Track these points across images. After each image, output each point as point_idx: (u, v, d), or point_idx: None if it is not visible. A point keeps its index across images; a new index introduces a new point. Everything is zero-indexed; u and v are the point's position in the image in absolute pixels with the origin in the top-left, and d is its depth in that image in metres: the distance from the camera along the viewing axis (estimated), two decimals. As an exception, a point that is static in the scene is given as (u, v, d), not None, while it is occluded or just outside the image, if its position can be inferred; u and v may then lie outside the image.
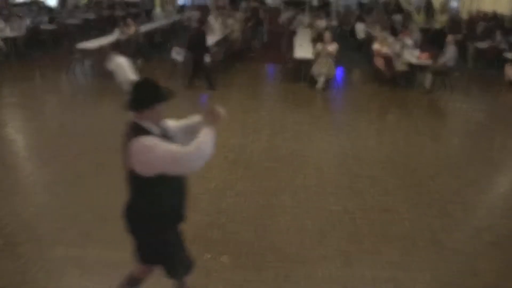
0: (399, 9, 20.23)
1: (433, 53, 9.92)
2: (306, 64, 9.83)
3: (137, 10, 18.33)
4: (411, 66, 9.89)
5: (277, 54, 12.69)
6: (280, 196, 4.93)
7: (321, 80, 9.50)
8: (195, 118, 2.59)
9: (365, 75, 11.13)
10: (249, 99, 9.02)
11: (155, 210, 2.47)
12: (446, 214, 4.67)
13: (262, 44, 15.22)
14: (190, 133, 2.51)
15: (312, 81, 9.68)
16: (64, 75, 10.21)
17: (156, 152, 2.23)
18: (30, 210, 4.52)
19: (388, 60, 9.87)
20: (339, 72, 10.36)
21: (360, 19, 15.56)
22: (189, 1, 22.20)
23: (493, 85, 10.62)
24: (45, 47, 13.24)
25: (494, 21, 15.32)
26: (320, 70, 9.52)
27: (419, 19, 16.29)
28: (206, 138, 2.30)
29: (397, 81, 9.85)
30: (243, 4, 18.12)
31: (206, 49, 9.42)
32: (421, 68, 9.84)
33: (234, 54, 11.98)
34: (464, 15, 18.13)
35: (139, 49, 12.00)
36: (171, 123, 2.59)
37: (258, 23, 15.72)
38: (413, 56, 10.03)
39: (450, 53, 9.55)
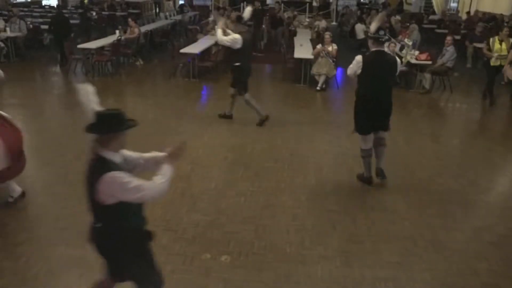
0: (399, 9, 20.24)
1: (432, 53, 9.92)
2: (306, 64, 9.84)
3: (138, 11, 18.33)
4: (410, 66, 9.89)
5: (277, 54, 12.69)
6: (280, 196, 4.93)
7: (321, 80, 9.50)
8: (159, 155, 2.74)
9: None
10: (249, 99, 9.01)
11: (124, 232, 2.64)
12: (446, 214, 4.67)
13: (262, 44, 15.24)
14: (153, 164, 2.72)
15: (312, 81, 9.68)
16: (65, 75, 10.20)
17: (123, 186, 2.42)
18: (30, 210, 4.52)
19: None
20: (339, 72, 10.36)
21: (360, 19, 15.58)
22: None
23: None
24: (45, 47, 13.24)
25: (493, 21, 15.32)
26: (320, 70, 9.52)
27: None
28: (166, 177, 2.54)
29: (397, 81, 9.84)
30: (244, 5, 18.09)
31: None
32: (421, 68, 9.84)
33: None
34: (463, 15, 18.15)
35: (139, 49, 12.01)
36: (130, 153, 2.72)
37: (260, 23, 15.70)
38: (412, 56, 10.03)
39: (449, 54, 9.55)
